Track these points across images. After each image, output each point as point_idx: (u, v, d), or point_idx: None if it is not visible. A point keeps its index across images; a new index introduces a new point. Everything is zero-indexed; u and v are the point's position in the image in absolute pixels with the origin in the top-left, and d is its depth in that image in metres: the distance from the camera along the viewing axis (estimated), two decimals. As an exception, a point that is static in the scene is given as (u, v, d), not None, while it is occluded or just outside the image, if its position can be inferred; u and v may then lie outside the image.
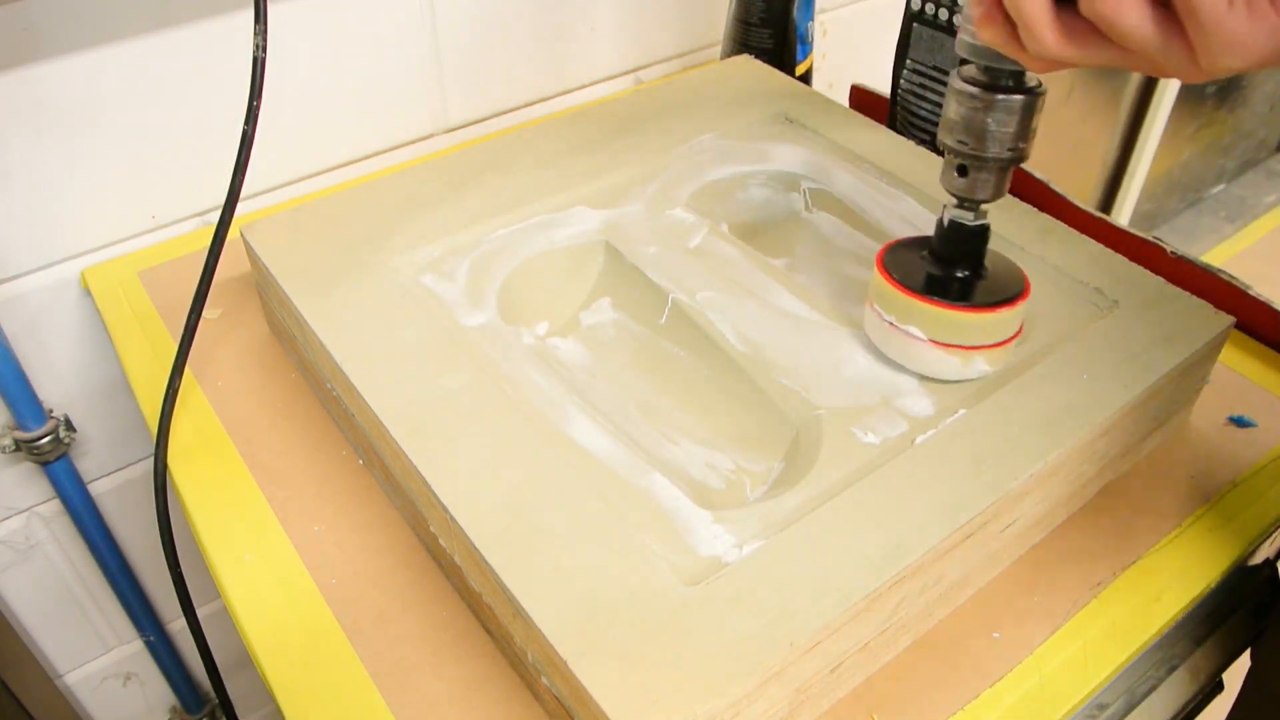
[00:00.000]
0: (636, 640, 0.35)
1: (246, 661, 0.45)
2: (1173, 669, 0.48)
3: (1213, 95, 1.89)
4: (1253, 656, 0.54)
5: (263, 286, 0.56)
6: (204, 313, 0.53)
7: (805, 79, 0.80)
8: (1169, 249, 0.59)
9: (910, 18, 0.66)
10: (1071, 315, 0.50)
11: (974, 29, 0.37)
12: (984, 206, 0.45)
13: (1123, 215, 1.86)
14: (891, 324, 0.46)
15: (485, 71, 0.77)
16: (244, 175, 0.49)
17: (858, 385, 0.47)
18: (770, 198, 0.63)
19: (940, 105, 0.67)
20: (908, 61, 0.68)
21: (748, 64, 0.73)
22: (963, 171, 0.43)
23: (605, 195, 0.58)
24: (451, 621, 0.44)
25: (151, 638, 0.85)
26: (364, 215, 0.56)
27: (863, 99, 0.77)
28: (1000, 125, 0.41)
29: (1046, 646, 0.43)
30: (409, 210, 0.56)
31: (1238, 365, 0.57)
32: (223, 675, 0.65)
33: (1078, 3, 0.31)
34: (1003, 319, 0.45)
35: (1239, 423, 0.54)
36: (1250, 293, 0.57)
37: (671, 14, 0.85)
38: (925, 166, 0.61)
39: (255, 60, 0.48)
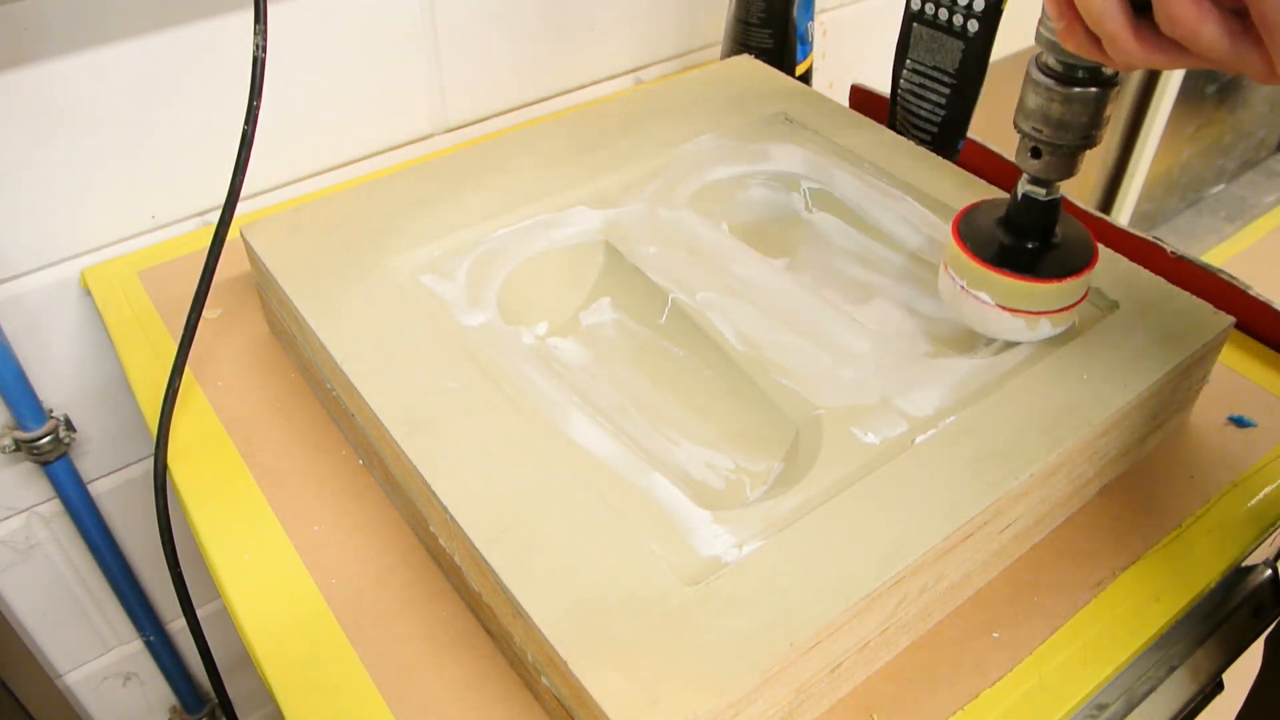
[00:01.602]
0: (636, 640, 0.35)
1: (246, 661, 0.45)
2: (1172, 669, 0.48)
3: (1213, 95, 1.89)
4: (1266, 650, 0.54)
5: (263, 286, 0.56)
6: (204, 313, 0.53)
7: (805, 79, 0.80)
8: (1169, 249, 0.59)
9: (910, 18, 0.66)
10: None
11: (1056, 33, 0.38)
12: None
13: (1123, 215, 1.86)
14: (963, 288, 0.48)
15: (485, 71, 0.77)
16: (244, 175, 0.49)
17: (857, 385, 0.47)
18: (770, 198, 0.63)
19: (940, 105, 0.67)
20: (908, 61, 0.68)
21: (748, 64, 0.73)
22: (1036, 154, 0.45)
23: (605, 195, 0.58)
24: (451, 621, 0.44)
25: (151, 638, 0.85)
26: (364, 215, 0.56)
27: (863, 99, 0.77)
28: (1075, 116, 0.43)
29: (1046, 646, 0.43)
30: (409, 210, 0.56)
31: (1238, 365, 0.57)
32: (223, 675, 0.65)
33: (1155, 20, 0.32)
34: (1067, 288, 0.47)
35: (1239, 423, 0.54)
36: (1250, 293, 0.57)
37: (671, 14, 0.85)
38: (925, 166, 0.61)
39: (255, 60, 0.48)
